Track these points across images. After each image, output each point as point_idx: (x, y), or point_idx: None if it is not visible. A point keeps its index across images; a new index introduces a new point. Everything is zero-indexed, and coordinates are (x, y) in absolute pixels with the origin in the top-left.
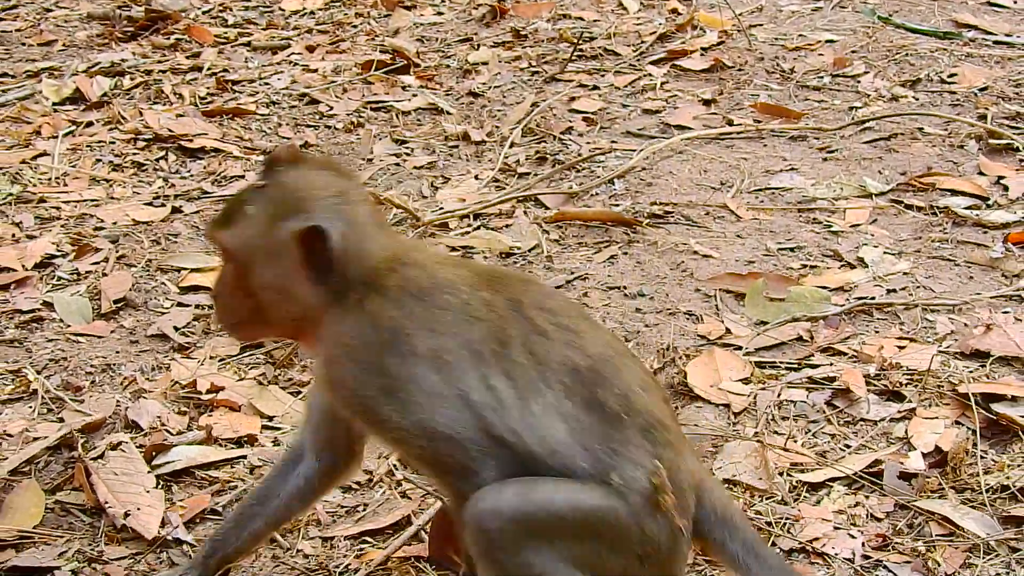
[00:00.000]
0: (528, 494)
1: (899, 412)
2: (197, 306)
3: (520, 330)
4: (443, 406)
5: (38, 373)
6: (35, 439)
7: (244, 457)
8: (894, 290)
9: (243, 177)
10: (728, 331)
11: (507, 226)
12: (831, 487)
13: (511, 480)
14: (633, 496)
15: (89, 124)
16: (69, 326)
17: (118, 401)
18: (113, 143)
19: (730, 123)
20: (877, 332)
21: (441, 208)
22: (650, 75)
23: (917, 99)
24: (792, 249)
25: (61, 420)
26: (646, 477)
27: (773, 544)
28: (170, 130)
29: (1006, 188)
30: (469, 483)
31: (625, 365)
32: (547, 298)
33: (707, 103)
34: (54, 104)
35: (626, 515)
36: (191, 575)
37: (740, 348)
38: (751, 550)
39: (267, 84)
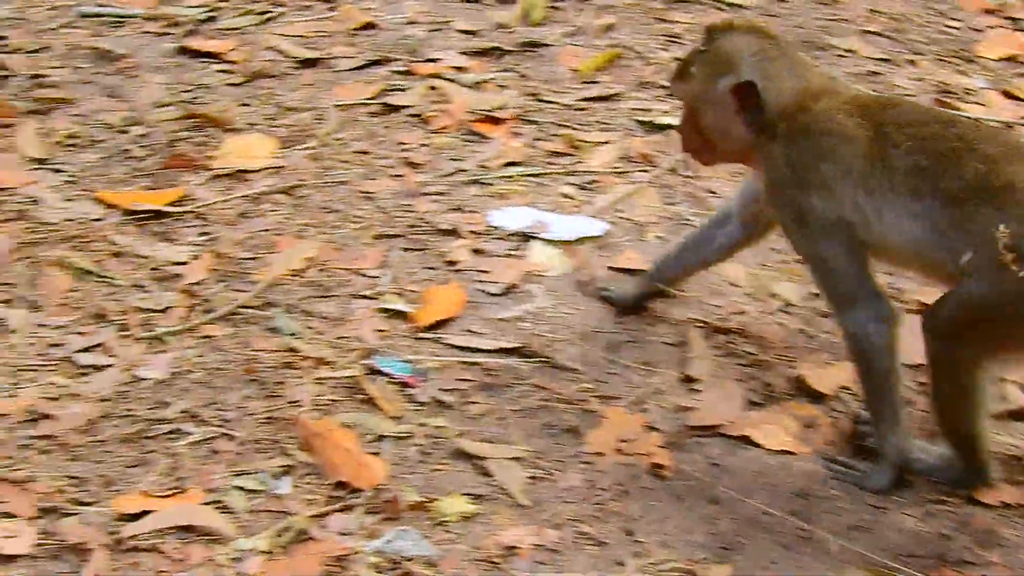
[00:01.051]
0: None
1: None
2: None
3: (879, 148)
4: (828, 237)
5: None
6: None
7: None
8: None
9: None
10: None
11: None
12: None
13: None
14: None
15: None
16: None
17: None
18: None
19: None
20: None
21: None
22: None
23: None
24: None
25: None
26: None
27: None
28: None
29: None
30: (846, 312)
31: (970, 151)
32: (907, 114)
33: None
34: None
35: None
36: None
37: None
38: None
39: None
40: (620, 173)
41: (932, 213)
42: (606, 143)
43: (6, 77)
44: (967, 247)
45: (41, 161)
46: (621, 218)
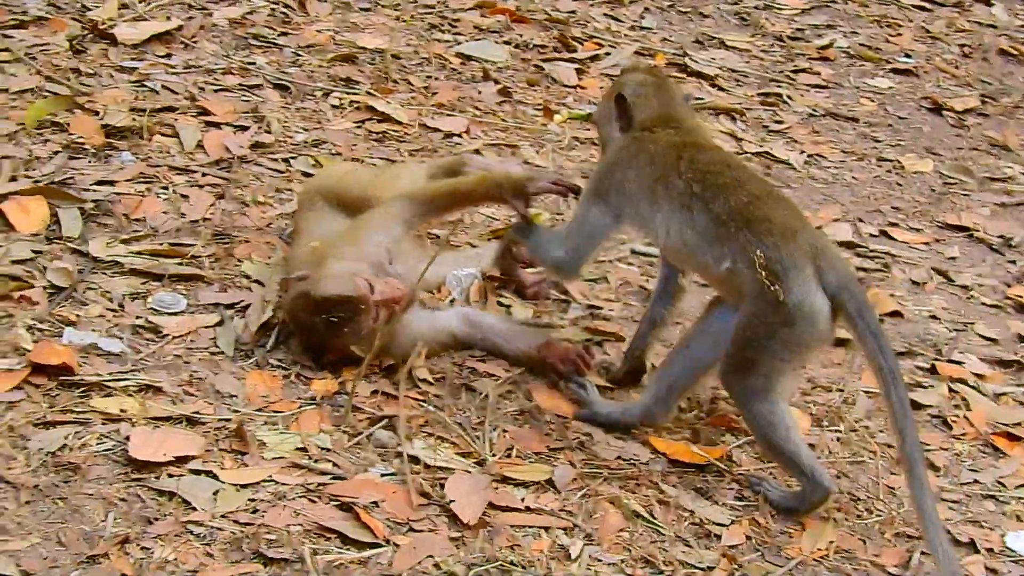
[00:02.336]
0: None
1: None
2: None
3: (674, 177)
4: (600, 206)
5: None
6: None
7: None
8: None
9: None
10: None
11: None
12: None
13: None
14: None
15: None
16: None
17: None
18: None
19: None
20: None
21: None
22: None
23: None
24: None
25: None
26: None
27: None
28: None
29: None
30: (561, 245)
31: (740, 188)
32: (707, 159)
33: None
34: None
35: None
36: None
37: None
38: (861, 312)
39: None
40: None
41: (701, 227)
42: None
43: (567, 303)
44: (727, 258)
45: None
46: None
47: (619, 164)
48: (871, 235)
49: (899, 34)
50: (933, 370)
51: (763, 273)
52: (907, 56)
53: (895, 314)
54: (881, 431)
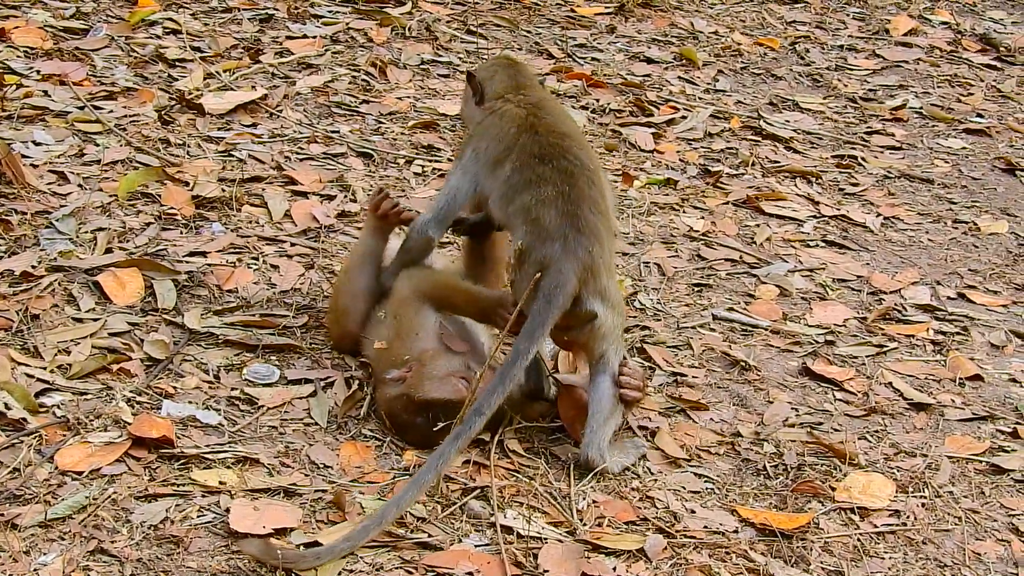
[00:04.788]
0: None
1: None
2: None
3: (519, 146)
4: (463, 171)
5: None
6: None
7: None
8: None
9: None
10: None
11: None
12: None
13: None
14: None
15: None
16: None
17: None
18: None
19: None
20: None
21: None
22: None
23: None
24: None
25: None
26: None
27: None
28: None
29: None
30: (424, 213)
31: (547, 185)
32: (553, 126)
33: None
34: None
35: None
36: None
37: None
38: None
39: None
40: None
41: (511, 185)
42: None
43: (653, 369)
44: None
45: (677, 462)
46: None
47: (474, 137)
48: (949, 298)
49: (971, 94)
50: (1015, 434)
51: (514, 257)
52: (979, 116)
53: (975, 378)
54: (966, 496)
